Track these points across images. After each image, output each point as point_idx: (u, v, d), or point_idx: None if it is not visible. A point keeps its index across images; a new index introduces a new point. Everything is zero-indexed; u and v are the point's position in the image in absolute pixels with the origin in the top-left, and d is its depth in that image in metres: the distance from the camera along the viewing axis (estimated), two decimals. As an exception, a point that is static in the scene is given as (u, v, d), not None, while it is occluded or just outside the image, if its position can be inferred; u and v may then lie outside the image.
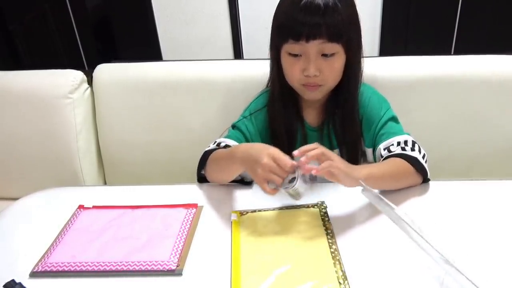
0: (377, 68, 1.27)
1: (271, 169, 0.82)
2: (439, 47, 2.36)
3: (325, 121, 1.08)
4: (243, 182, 1.02)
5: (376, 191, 0.90)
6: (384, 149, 1.01)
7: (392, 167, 0.95)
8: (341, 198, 0.97)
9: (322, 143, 1.05)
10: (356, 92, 1.05)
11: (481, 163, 1.32)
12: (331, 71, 0.97)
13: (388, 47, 2.32)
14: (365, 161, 1.13)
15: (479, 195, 0.96)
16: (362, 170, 0.88)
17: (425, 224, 0.76)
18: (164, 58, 2.45)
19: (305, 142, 1.08)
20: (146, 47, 2.46)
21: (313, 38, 0.92)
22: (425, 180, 0.99)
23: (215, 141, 1.05)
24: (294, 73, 0.98)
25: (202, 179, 1.05)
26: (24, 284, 0.76)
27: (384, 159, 1.00)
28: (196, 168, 1.04)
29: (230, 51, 2.40)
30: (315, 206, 0.94)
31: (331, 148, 1.09)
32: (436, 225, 0.84)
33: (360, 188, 0.85)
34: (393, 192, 0.95)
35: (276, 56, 1.01)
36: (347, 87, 1.03)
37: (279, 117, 1.07)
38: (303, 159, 0.81)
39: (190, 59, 1.39)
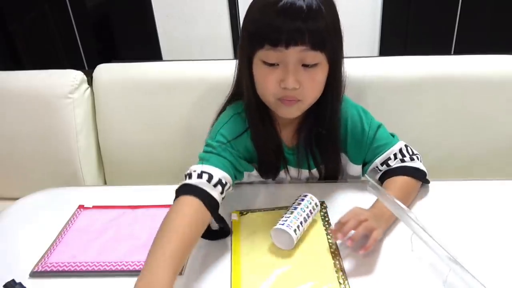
0: (377, 68, 1.27)
1: None
2: (439, 47, 2.35)
3: (302, 142, 0.96)
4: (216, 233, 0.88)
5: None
6: (382, 164, 0.97)
7: (403, 191, 0.92)
8: (341, 198, 0.97)
9: (298, 162, 0.99)
10: (339, 109, 0.93)
11: (481, 163, 1.32)
12: (312, 84, 0.85)
13: (388, 47, 2.32)
14: (345, 175, 1.06)
15: (479, 195, 0.96)
16: (386, 213, 0.84)
17: (426, 223, 0.77)
18: (164, 58, 2.45)
19: (284, 162, 0.99)
20: (146, 47, 2.45)
21: (294, 44, 0.79)
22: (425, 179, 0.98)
23: (196, 171, 0.84)
24: (268, 85, 0.84)
25: None
26: (24, 284, 0.76)
27: (384, 175, 0.96)
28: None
29: (230, 51, 2.40)
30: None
31: (309, 168, 1.01)
32: (436, 225, 0.83)
33: (359, 184, 0.84)
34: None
35: (249, 67, 0.87)
36: (330, 103, 0.91)
37: (263, 137, 0.94)
38: (340, 236, 0.79)
39: (190, 59, 1.39)
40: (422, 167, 0.96)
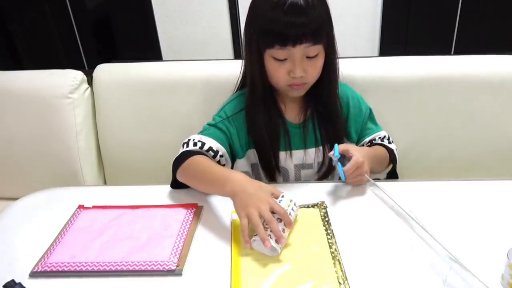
0: (377, 68, 1.28)
1: (270, 219, 0.81)
2: (439, 47, 2.36)
3: (308, 118, 1.09)
4: None
5: (382, 185, 0.91)
6: (368, 143, 1.15)
7: (378, 151, 1.11)
8: (341, 198, 0.98)
9: (305, 139, 1.10)
10: (336, 85, 1.07)
11: (481, 163, 1.32)
12: (314, 70, 1.00)
13: (388, 47, 2.32)
14: None
15: (479, 195, 0.96)
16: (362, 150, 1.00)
17: (427, 223, 0.77)
18: (164, 58, 2.45)
19: (288, 139, 1.08)
20: (146, 47, 2.46)
21: (299, 43, 0.94)
22: (393, 168, 1.15)
23: (193, 140, 1.03)
24: (280, 76, 0.99)
25: (175, 182, 1.02)
26: (24, 284, 0.76)
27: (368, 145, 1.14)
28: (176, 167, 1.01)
29: (230, 51, 2.40)
30: (315, 206, 0.94)
31: (316, 145, 1.10)
32: (436, 224, 0.83)
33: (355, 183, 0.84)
34: (394, 192, 0.96)
35: (259, 59, 1.00)
36: (327, 81, 1.05)
37: (261, 118, 1.06)
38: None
39: (190, 59, 1.39)
40: (395, 152, 1.13)
